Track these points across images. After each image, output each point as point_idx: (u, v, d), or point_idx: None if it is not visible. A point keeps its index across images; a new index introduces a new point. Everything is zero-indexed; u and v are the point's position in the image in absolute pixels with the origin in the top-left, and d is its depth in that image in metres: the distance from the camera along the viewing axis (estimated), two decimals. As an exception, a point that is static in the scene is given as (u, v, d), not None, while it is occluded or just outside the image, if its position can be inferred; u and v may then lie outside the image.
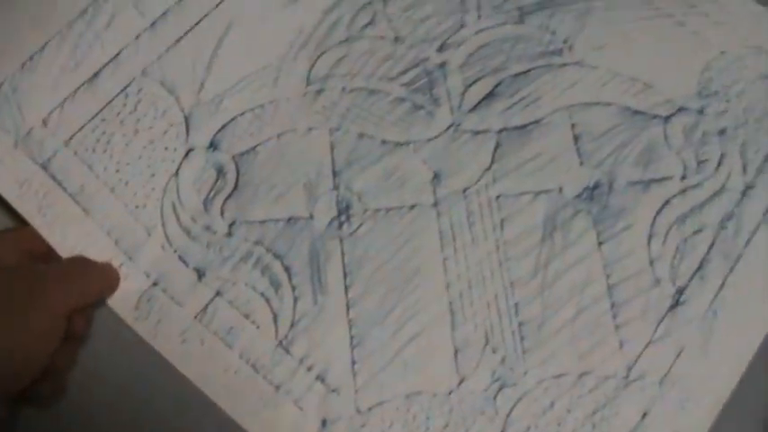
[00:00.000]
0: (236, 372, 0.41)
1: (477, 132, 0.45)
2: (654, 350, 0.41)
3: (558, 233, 0.43)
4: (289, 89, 0.46)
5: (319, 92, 0.46)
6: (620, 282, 0.42)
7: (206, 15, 0.48)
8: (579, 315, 0.42)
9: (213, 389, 0.40)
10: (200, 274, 0.42)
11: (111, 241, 0.43)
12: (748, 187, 0.44)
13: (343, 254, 0.43)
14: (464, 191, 0.44)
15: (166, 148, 0.45)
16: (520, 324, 0.41)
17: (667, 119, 0.46)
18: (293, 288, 0.42)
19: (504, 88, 0.46)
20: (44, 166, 0.44)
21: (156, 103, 0.45)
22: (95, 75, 0.46)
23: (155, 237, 0.43)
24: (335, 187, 0.44)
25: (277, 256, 0.43)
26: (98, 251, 0.42)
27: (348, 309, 0.42)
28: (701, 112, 0.46)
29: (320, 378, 0.41)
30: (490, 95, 0.46)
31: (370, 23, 0.48)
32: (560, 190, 0.44)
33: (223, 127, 0.45)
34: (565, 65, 0.47)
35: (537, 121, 0.46)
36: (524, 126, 0.46)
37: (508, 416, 0.40)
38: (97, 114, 0.45)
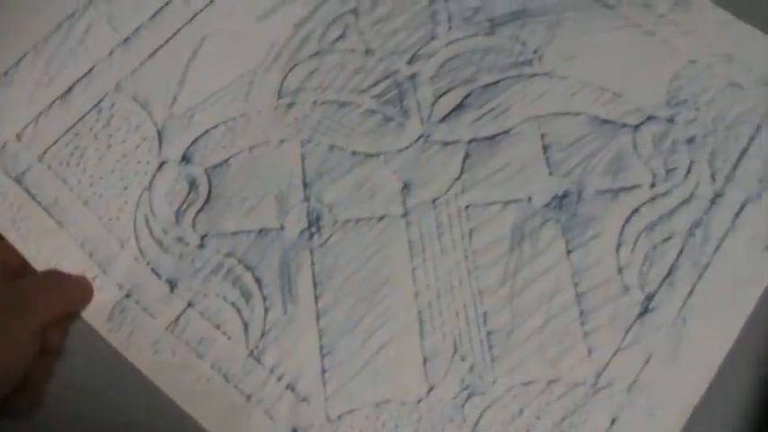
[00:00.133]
0: (208, 381, 0.41)
1: (447, 143, 0.46)
2: (622, 357, 0.41)
3: (526, 242, 0.43)
4: (261, 102, 0.47)
5: (291, 105, 0.47)
6: (589, 290, 0.42)
7: (179, 30, 0.48)
8: (548, 323, 0.42)
9: (185, 399, 0.41)
10: (173, 285, 0.43)
11: (84, 254, 0.43)
12: (717, 195, 0.44)
13: (313, 264, 0.43)
14: (433, 201, 0.44)
15: (139, 162, 0.45)
16: (488, 332, 0.42)
17: (636, 128, 0.46)
18: (264, 298, 0.42)
19: (473, 99, 0.47)
20: (18, 180, 0.44)
21: (129, 117, 0.46)
22: (69, 90, 0.46)
23: (128, 249, 0.43)
24: (306, 199, 0.45)
25: (248, 268, 0.43)
26: (72, 263, 0.43)
27: (318, 318, 0.42)
28: (670, 120, 0.46)
29: (290, 387, 0.41)
30: (460, 106, 0.47)
31: (341, 37, 0.49)
32: (529, 199, 0.44)
33: (195, 140, 0.46)
34: (534, 75, 0.47)
35: (506, 132, 0.46)
36: (494, 136, 0.46)
37: (476, 424, 0.40)
38: (71, 129, 0.46)
